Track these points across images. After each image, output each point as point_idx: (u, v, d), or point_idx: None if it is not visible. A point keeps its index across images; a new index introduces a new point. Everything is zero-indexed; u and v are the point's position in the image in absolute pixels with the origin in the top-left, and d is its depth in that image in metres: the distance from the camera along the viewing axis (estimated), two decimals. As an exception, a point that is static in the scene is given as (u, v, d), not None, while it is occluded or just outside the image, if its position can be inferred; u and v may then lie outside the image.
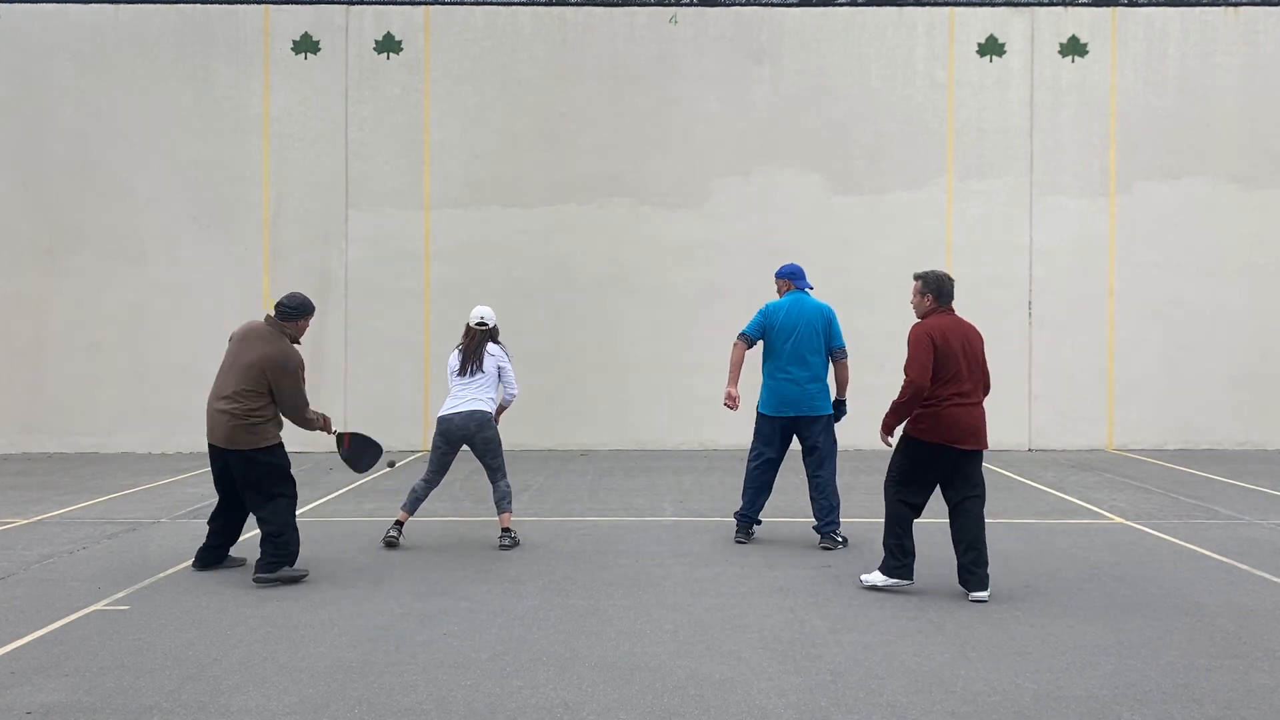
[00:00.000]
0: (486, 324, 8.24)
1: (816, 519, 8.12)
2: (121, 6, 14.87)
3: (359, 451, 7.80)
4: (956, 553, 6.62)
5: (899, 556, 6.57)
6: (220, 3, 14.86)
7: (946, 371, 6.43)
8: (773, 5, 14.95)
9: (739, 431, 14.86)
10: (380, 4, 14.89)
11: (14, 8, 14.84)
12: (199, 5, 14.85)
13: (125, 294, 14.79)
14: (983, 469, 6.82)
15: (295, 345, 7.26)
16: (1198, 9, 14.85)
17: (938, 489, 6.74)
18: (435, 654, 5.40)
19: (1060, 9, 14.91)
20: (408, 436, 14.77)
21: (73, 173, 14.81)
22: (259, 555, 6.98)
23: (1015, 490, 11.00)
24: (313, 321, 15.28)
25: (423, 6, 14.89)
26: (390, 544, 8.06)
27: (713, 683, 4.95)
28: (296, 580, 6.96)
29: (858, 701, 4.69)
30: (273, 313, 7.29)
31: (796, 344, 7.96)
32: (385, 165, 14.87)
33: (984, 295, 14.77)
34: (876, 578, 6.66)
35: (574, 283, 14.83)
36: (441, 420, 8.13)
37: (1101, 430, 14.78)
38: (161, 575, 7.15)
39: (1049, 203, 14.85)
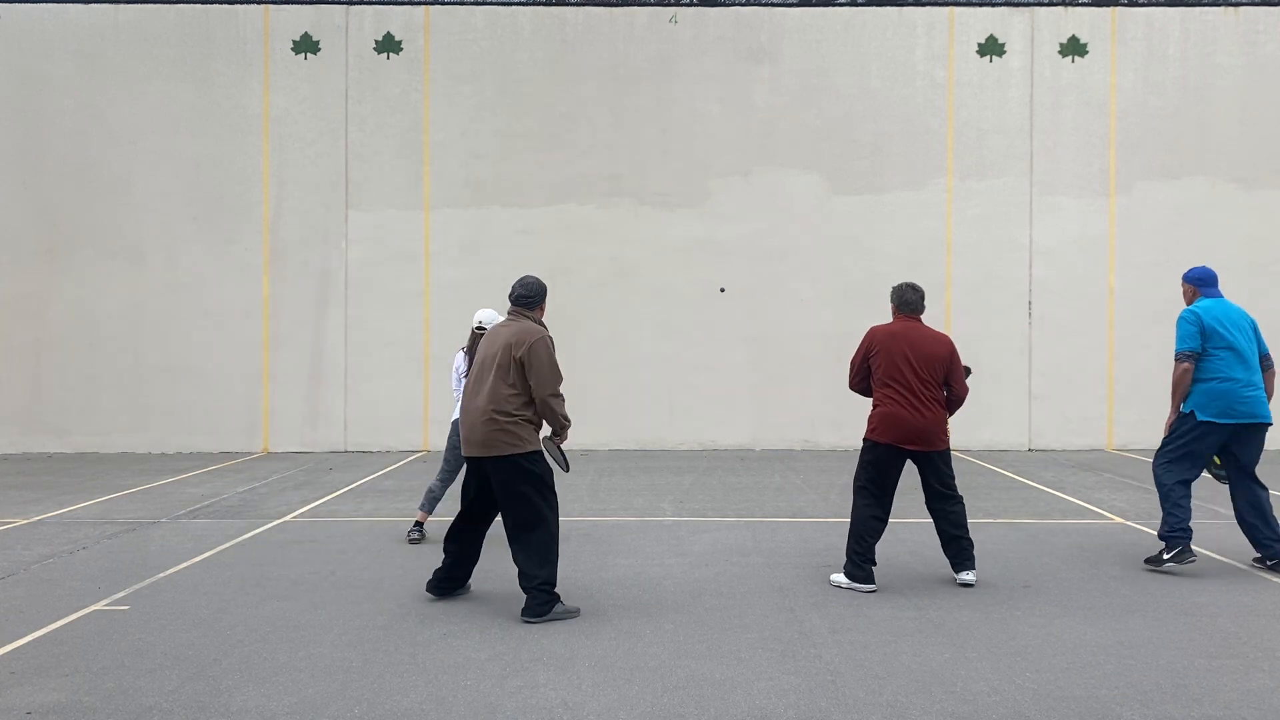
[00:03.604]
0: (485, 328, 8.25)
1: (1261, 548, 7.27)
2: (121, 6, 14.87)
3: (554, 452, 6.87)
4: (945, 550, 6.88)
5: (856, 562, 6.69)
6: (220, 3, 14.86)
7: (882, 372, 6.74)
8: (773, 5, 14.95)
9: (739, 431, 14.88)
10: (380, 4, 14.90)
11: (14, 8, 14.84)
12: (199, 5, 14.85)
13: (125, 294, 14.79)
14: (952, 472, 6.86)
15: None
16: (1198, 9, 14.86)
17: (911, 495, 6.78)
18: (435, 654, 5.39)
19: (1060, 9, 14.92)
20: (408, 436, 14.77)
21: (73, 173, 14.82)
22: (526, 595, 6.09)
23: (1015, 490, 11.00)
24: (313, 321, 15.49)
25: (423, 6, 14.90)
26: (414, 542, 8.24)
27: (713, 683, 4.95)
28: (572, 617, 6.08)
29: (858, 701, 4.69)
30: (511, 305, 6.44)
31: (1238, 346, 7.20)
32: (385, 165, 14.88)
33: (984, 295, 14.78)
34: (840, 579, 6.81)
35: (574, 283, 14.82)
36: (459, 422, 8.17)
37: (1101, 430, 14.78)
38: (161, 575, 7.15)
39: (1049, 203, 14.86)
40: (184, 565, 7.45)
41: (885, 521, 6.78)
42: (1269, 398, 7.30)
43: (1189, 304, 7.47)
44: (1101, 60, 14.89)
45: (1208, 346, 7.15)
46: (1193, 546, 7.25)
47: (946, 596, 6.54)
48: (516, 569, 6.14)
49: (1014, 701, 4.70)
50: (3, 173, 14.85)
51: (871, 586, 6.64)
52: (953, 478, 6.85)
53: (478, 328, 8.27)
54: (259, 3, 14.89)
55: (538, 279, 6.47)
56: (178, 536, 8.54)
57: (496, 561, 7.59)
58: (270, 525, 9.02)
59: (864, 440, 6.86)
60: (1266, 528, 7.12)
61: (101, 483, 11.69)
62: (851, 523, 6.78)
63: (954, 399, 6.83)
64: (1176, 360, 7.18)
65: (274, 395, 14.82)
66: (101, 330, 14.80)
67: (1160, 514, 7.23)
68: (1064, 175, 14.87)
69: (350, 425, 14.82)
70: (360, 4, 14.91)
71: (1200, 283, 7.44)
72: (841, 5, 14.97)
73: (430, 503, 8.36)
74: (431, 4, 14.92)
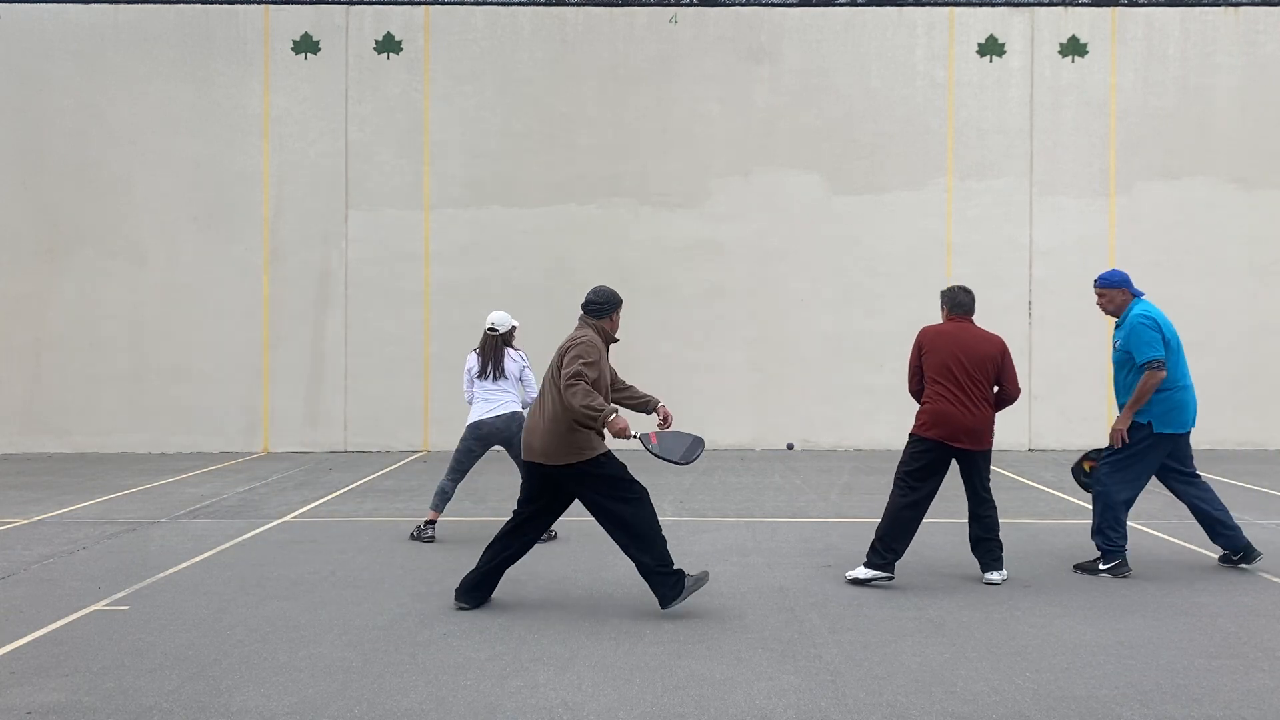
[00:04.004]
0: (497, 330, 8.38)
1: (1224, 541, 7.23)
2: (121, 6, 14.87)
3: (672, 445, 6.64)
4: (974, 551, 6.99)
5: (881, 553, 6.77)
6: (220, 3, 14.86)
7: (932, 370, 6.84)
8: (773, 5, 14.95)
9: (739, 431, 14.88)
10: (380, 4, 14.90)
11: (14, 8, 14.84)
12: (199, 5, 14.85)
13: (125, 294, 14.80)
14: (989, 475, 6.97)
15: (610, 341, 6.44)
16: (1198, 9, 14.86)
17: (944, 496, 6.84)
18: (435, 654, 5.39)
19: (1060, 9, 14.92)
20: (408, 436, 14.77)
21: (73, 173, 14.82)
22: (656, 585, 6.11)
23: (1015, 490, 10.99)
24: (313, 321, 15.45)
25: (423, 6, 14.90)
26: (427, 540, 8.26)
27: (713, 683, 4.95)
28: (703, 584, 6.19)
29: (858, 701, 4.69)
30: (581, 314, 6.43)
31: (1180, 350, 7.10)
32: (385, 165, 14.88)
33: (984, 295, 14.63)
34: (859, 571, 6.85)
35: (574, 283, 14.77)
36: (480, 424, 8.28)
37: (1101, 430, 14.76)
38: (161, 575, 7.15)
39: (1049, 203, 14.86)
40: (184, 565, 7.45)
41: (919, 515, 6.81)
42: None
43: (1114, 308, 7.21)
44: (1101, 60, 14.89)
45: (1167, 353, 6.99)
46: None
47: (946, 596, 6.55)
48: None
49: (1014, 701, 4.70)
50: (3, 173, 14.85)
51: (888, 575, 6.73)
52: (989, 481, 6.96)
53: (490, 329, 8.39)
54: (259, 3, 14.89)
55: (611, 289, 6.44)
56: (178, 536, 8.54)
57: (496, 561, 7.59)
58: (270, 525, 9.02)
59: (910, 436, 6.91)
60: (1223, 516, 7.12)
61: (101, 483, 11.69)
62: (884, 511, 6.86)
63: (1006, 398, 6.91)
64: (1149, 367, 6.84)
65: (274, 395, 14.82)
66: (101, 330, 14.80)
67: (1094, 517, 7.13)
68: (1064, 175, 14.87)
69: (350, 425, 14.82)
70: (360, 4, 14.91)
71: (1127, 284, 7.20)
72: (841, 5, 14.97)
73: (441, 501, 8.38)
74: (431, 4, 14.92)
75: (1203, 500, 7.15)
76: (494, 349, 8.36)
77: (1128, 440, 6.97)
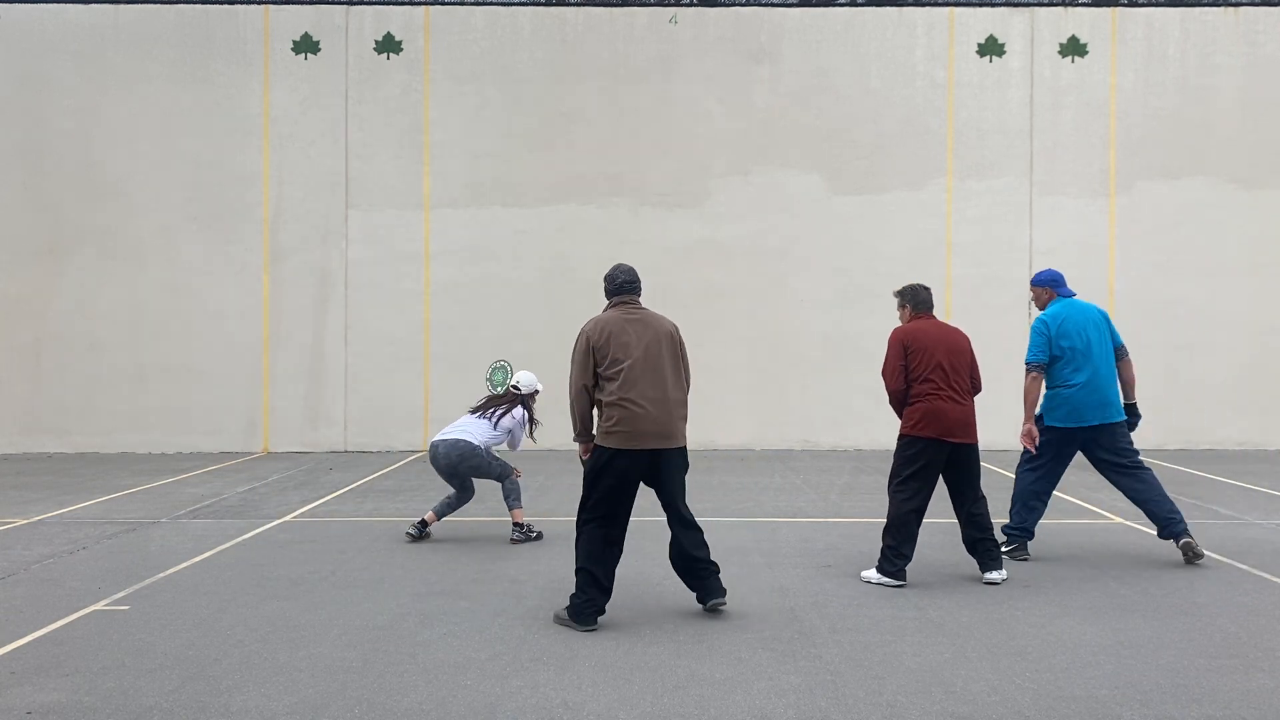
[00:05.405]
0: (520, 389, 8.52)
1: (1162, 525, 7.38)
2: (121, 6, 14.87)
3: None
4: (971, 553, 7.01)
5: (892, 560, 6.80)
6: (220, 3, 14.86)
7: (922, 369, 6.83)
8: (773, 5, 14.95)
9: (739, 432, 14.88)
10: (380, 4, 14.90)
11: (14, 8, 14.84)
12: (199, 5, 14.85)
13: (125, 294, 14.79)
14: (980, 470, 7.03)
15: None
16: (1198, 9, 14.85)
17: (941, 495, 6.85)
18: (435, 654, 5.40)
19: (1060, 9, 14.92)
20: (408, 437, 14.77)
21: (73, 173, 14.82)
22: (709, 579, 6.07)
23: (1015, 490, 10.98)
24: (313, 321, 15.46)
25: (423, 6, 14.90)
26: (411, 539, 8.27)
27: (713, 683, 4.95)
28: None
29: (858, 701, 4.69)
30: (623, 294, 6.11)
31: (1087, 349, 7.35)
32: (385, 165, 14.88)
33: (984, 295, 14.78)
34: (871, 574, 6.92)
35: (574, 283, 14.81)
36: (430, 446, 8.41)
37: (1101, 430, 14.78)
38: (161, 575, 7.15)
39: (1049, 203, 14.85)
40: (184, 565, 7.45)
41: (921, 517, 6.86)
42: (1130, 385, 7.56)
43: (1041, 307, 7.69)
44: (1101, 60, 14.89)
45: (1056, 353, 7.37)
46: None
47: (946, 596, 6.55)
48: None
49: (1014, 701, 4.70)
50: (3, 173, 14.84)
51: (900, 582, 6.76)
52: (980, 476, 7.01)
53: (513, 387, 8.55)
54: (259, 3, 14.88)
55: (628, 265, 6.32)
56: (178, 536, 8.54)
57: (494, 561, 7.59)
58: (270, 525, 9.02)
59: (902, 437, 6.88)
60: (1159, 507, 7.30)
61: (101, 483, 11.69)
62: (888, 518, 6.84)
63: (974, 390, 7.02)
64: (1026, 370, 7.44)
65: (274, 395, 14.82)
66: (101, 330, 14.79)
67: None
68: (1064, 175, 14.87)
69: (350, 425, 14.82)
70: (360, 4, 14.91)
71: (1054, 284, 7.67)
72: (841, 5, 14.97)
73: (444, 509, 8.39)
74: (431, 4, 14.92)
75: (1130, 495, 7.43)
76: (508, 402, 8.45)
77: (1035, 442, 7.44)
